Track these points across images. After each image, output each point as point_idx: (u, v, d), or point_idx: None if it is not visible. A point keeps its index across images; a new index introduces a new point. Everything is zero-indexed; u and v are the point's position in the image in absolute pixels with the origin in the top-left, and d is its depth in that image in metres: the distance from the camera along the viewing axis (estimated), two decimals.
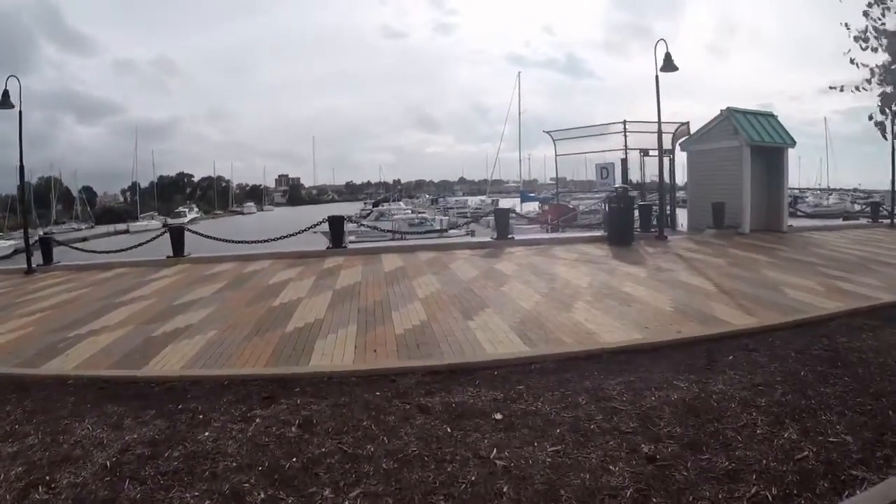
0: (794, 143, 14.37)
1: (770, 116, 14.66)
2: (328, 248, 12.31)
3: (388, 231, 32.39)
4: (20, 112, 11.52)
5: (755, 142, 13.50)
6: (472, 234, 26.23)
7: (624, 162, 15.13)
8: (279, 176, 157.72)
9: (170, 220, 73.25)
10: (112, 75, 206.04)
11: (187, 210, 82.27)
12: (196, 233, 13.46)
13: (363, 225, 35.19)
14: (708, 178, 14.79)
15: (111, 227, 63.78)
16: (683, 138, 15.82)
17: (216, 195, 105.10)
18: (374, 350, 5.12)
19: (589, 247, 11.75)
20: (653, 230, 13.05)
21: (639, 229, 13.06)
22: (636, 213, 13.42)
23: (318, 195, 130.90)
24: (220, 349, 5.31)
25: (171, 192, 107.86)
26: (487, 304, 6.68)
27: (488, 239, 12.81)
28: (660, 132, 12.77)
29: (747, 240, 12.63)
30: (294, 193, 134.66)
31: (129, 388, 4.39)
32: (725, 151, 14.09)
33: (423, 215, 34.71)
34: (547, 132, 16.48)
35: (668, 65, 12.03)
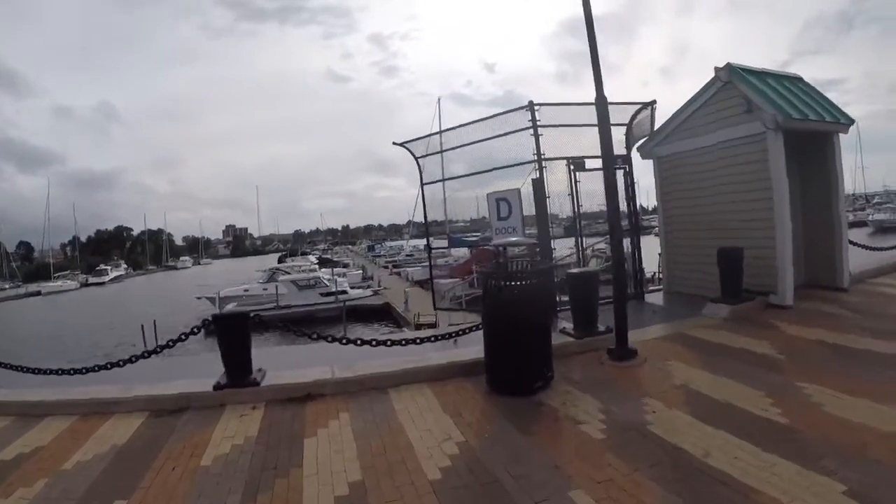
0: (850, 122, 7.55)
1: (797, 80, 7.87)
2: None
3: (272, 296, 25.36)
4: None
5: (794, 121, 6.64)
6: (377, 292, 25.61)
7: (537, 185, 7.86)
8: (226, 226, 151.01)
9: (91, 279, 66.91)
10: (50, 121, 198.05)
11: (110, 267, 77.01)
12: None
13: (247, 291, 28.24)
14: (699, 201, 7.88)
15: (22, 289, 59.47)
16: (643, 139, 8.92)
17: (147, 250, 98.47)
18: None
19: (433, 408, 4.51)
20: (600, 330, 5.81)
21: (571, 331, 5.85)
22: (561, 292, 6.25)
23: (264, 245, 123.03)
24: None
25: (111, 246, 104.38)
26: None
27: (208, 386, 5.23)
28: (603, 105, 5.53)
29: (804, 327, 5.68)
30: (238, 244, 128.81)
31: None
32: (733, 146, 7.18)
33: (316, 275, 27.45)
34: (399, 144, 9.31)
35: None
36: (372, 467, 3.45)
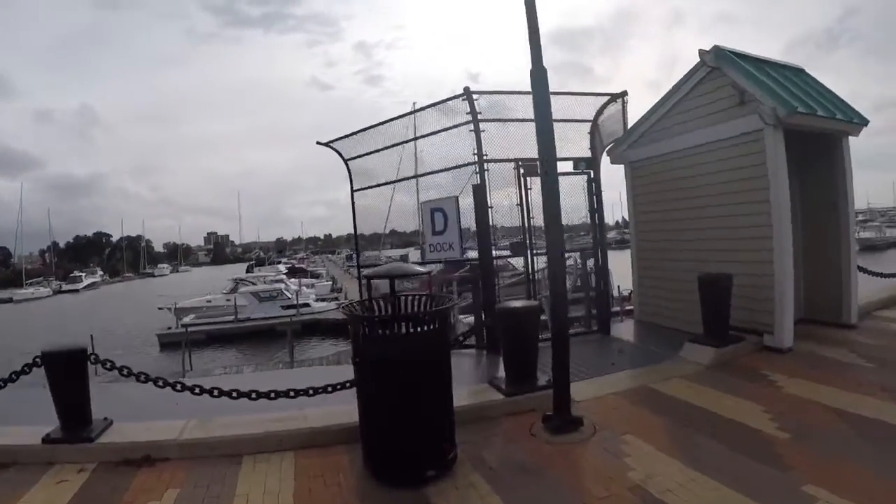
0: (864, 122, 6.13)
1: (800, 72, 6.49)
2: None
3: (230, 307, 23.54)
4: None
5: (799, 115, 5.22)
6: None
7: (479, 193, 6.37)
8: (208, 233, 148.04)
9: (65, 286, 64.54)
10: (31, 124, 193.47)
11: (84, 274, 74.56)
12: None
13: (209, 302, 26.23)
14: (679, 215, 6.45)
15: None
16: (612, 142, 7.50)
17: (124, 256, 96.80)
18: None
19: (282, 497, 3.02)
20: (540, 385, 4.23)
21: (502, 383, 4.34)
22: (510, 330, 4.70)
23: (244, 253, 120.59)
24: None
25: (90, 252, 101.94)
26: None
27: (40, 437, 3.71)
28: (541, 76, 4.02)
29: (809, 381, 4.26)
30: (218, 252, 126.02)
31: None
32: (721, 148, 5.77)
33: (279, 286, 25.64)
34: (323, 144, 7.76)
35: None
36: None
